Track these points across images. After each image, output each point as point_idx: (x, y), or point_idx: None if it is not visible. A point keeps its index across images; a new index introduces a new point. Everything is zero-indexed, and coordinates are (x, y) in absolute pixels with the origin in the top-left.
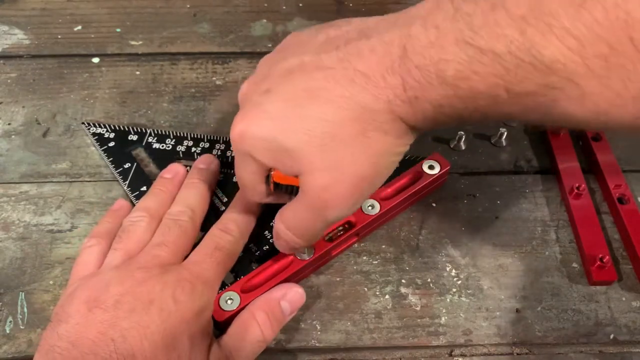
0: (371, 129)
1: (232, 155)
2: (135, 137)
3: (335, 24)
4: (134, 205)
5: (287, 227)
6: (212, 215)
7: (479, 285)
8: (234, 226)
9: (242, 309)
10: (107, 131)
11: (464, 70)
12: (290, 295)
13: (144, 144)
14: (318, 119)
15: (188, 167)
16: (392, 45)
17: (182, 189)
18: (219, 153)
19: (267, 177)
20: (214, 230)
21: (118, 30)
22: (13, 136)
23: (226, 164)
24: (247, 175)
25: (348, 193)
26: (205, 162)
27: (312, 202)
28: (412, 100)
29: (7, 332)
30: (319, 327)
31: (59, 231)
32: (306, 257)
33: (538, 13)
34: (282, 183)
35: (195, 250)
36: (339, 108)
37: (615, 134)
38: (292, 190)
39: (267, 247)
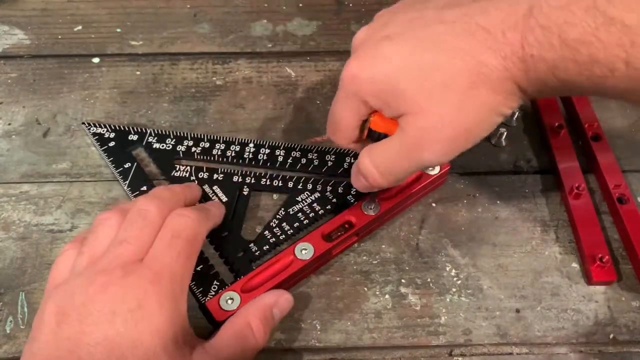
0: (483, 83)
1: (233, 155)
2: (135, 137)
3: None
4: None
5: (373, 162)
6: None
7: (479, 285)
8: (188, 209)
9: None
10: (107, 131)
11: (588, 36)
12: (281, 302)
13: (144, 143)
14: (434, 66)
15: (188, 167)
16: (519, 5)
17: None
18: (219, 153)
19: (363, 123)
20: (169, 217)
21: (118, 30)
22: (13, 136)
23: (225, 162)
24: (346, 116)
25: (448, 140)
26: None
27: (410, 141)
28: (527, 59)
29: (8, 332)
30: (319, 327)
31: (60, 231)
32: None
33: None
34: (378, 130)
35: (154, 242)
36: (454, 59)
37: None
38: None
39: (267, 247)
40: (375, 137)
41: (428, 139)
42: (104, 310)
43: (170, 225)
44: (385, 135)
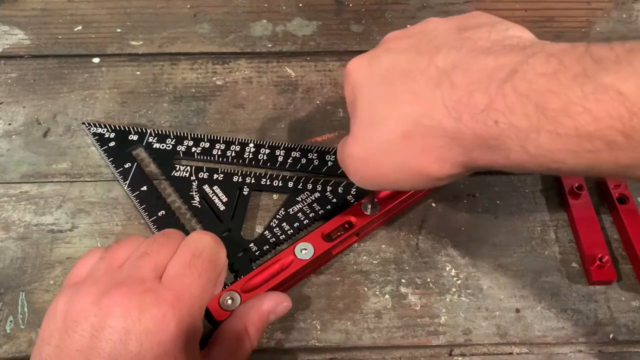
0: (418, 137)
1: (233, 155)
2: (135, 137)
3: (477, 22)
4: (135, 205)
5: (339, 151)
6: (213, 218)
7: (479, 285)
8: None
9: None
10: (107, 131)
11: (573, 106)
12: (279, 310)
13: (144, 143)
14: (386, 100)
15: (188, 167)
16: (504, 67)
17: None
18: (219, 153)
19: None
20: (189, 236)
21: (118, 30)
22: (14, 136)
23: (225, 162)
24: (347, 107)
25: (364, 176)
26: None
27: (342, 156)
28: (490, 125)
29: (8, 331)
30: (318, 327)
31: (60, 231)
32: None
33: None
34: None
35: (171, 261)
36: (406, 102)
37: None
38: None
39: (267, 246)
40: None
41: (350, 165)
42: (118, 327)
43: (189, 244)
44: None
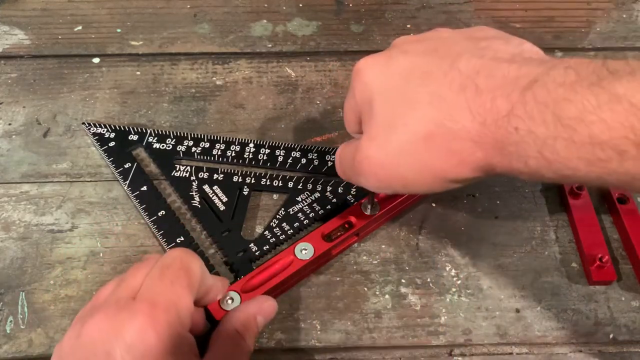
0: (440, 138)
1: (233, 155)
2: (135, 137)
3: (499, 34)
4: (135, 206)
5: (340, 157)
6: (213, 218)
7: (479, 285)
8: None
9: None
10: (107, 131)
11: (587, 114)
12: (265, 309)
13: (144, 143)
14: (409, 102)
15: (188, 167)
16: (526, 76)
17: None
18: (219, 153)
19: None
20: (159, 256)
21: (118, 30)
22: (14, 136)
23: (225, 162)
24: (347, 106)
25: (381, 179)
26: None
27: (356, 159)
28: (510, 131)
29: (8, 331)
30: (319, 327)
31: (60, 231)
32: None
33: None
34: None
35: (144, 280)
36: (430, 104)
37: None
38: None
39: (268, 247)
40: None
41: (367, 167)
42: (99, 353)
43: (159, 261)
44: None
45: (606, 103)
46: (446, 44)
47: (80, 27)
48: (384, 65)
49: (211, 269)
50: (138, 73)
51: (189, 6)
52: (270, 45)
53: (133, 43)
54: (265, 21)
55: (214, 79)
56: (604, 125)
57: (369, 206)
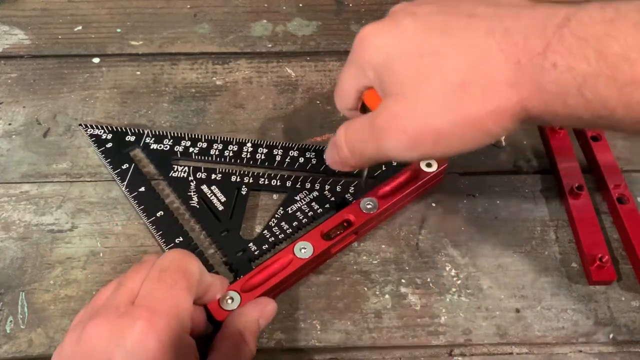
0: (476, 86)
1: (230, 154)
2: (132, 138)
3: None
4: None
5: (346, 135)
6: (212, 218)
7: (479, 285)
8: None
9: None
10: (104, 132)
11: (633, 52)
12: (266, 312)
13: (141, 144)
14: (436, 53)
15: (186, 167)
16: (555, 15)
17: None
18: (216, 153)
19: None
20: (159, 257)
21: (118, 30)
22: (14, 136)
23: (223, 162)
24: (347, 82)
25: (413, 134)
26: None
27: (379, 124)
28: (547, 68)
29: (8, 331)
30: (319, 327)
31: (60, 231)
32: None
33: None
34: (371, 107)
35: (142, 283)
36: (459, 51)
37: (615, 133)
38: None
39: (267, 246)
40: (367, 112)
41: (395, 125)
42: (99, 359)
43: (156, 263)
44: None
45: None
46: (453, 4)
47: (80, 27)
48: (395, 28)
49: (210, 268)
50: (138, 73)
51: (189, 6)
52: (270, 45)
53: (133, 43)
54: (265, 21)
55: (214, 79)
56: None
57: (368, 204)
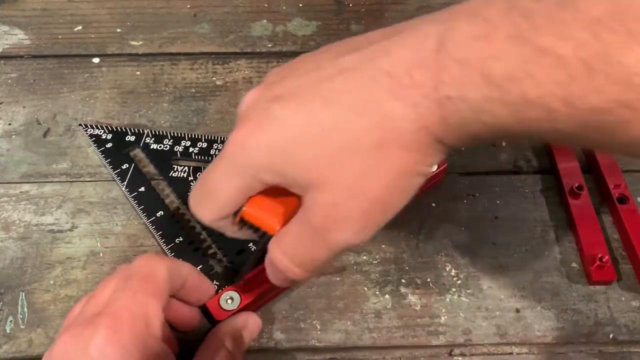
0: (392, 140)
1: None
2: (132, 138)
3: (363, 35)
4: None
5: (286, 254)
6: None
7: (479, 285)
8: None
9: (242, 309)
10: (104, 132)
11: (516, 71)
12: (251, 325)
13: (141, 144)
14: (335, 126)
15: (186, 167)
16: (428, 39)
17: None
18: (216, 153)
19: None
20: (123, 265)
21: (118, 30)
22: (13, 136)
23: None
24: (227, 191)
25: (357, 215)
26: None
27: (317, 223)
28: (443, 102)
29: (8, 331)
30: (319, 327)
31: (60, 231)
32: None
33: (619, 16)
34: (251, 222)
35: (111, 294)
36: (356, 115)
37: None
38: (256, 231)
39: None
40: (249, 226)
41: (336, 216)
42: None
43: (122, 273)
44: (258, 229)
45: (532, 56)
46: (309, 66)
47: (80, 27)
48: (270, 123)
49: (210, 268)
50: (138, 73)
51: (189, 6)
52: (270, 45)
53: (133, 43)
54: (265, 21)
55: (214, 79)
56: (533, 81)
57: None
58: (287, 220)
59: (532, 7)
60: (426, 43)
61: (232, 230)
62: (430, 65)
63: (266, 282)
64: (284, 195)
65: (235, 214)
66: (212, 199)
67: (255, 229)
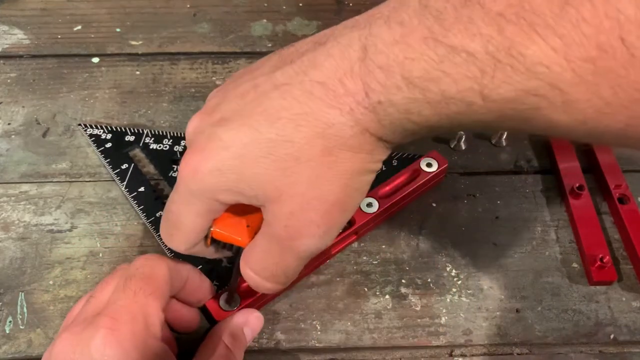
0: (337, 146)
1: None
2: (132, 138)
3: (290, 45)
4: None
5: (253, 269)
6: None
7: (479, 285)
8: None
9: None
10: (104, 132)
11: (434, 71)
12: (251, 321)
13: (141, 144)
14: (278, 141)
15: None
16: (351, 47)
17: None
18: None
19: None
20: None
21: (118, 30)
22: (13, 136)
23: None
24: (190, 218)
25: (318, 220)
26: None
27: (278, 234)
28: (375, 107)
29: (7, 332)
30: (319, 327)
31: (59, 231)
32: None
33: (518, 9)
34: (222, 240)
35: (111, 294)
36: (299, 126)
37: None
38: (230, 248)
39: None
40: (222, 245)
41: (297, 224)
42: None
43: (122, 272)
44: (232, 245)
45: (446, 56)
46: (244, 88)
47: (79, 27)
48: (218, 147)
49: (210, 269)
50: (137, 73)
51: (188, 6)
52: (270, 45)
53: (132, 43)
54: (265, 21)
55: (214, 78)
56: (450, 79)
57: (367, 205)
58: (256, 231)
59: (441, 7)
60: (350, 52)
61: (209, 253)
62: (357, 73)
63: None
64: (249, 209)
65: (207, 237)
66: (179, 229)
67: (229, 246)
